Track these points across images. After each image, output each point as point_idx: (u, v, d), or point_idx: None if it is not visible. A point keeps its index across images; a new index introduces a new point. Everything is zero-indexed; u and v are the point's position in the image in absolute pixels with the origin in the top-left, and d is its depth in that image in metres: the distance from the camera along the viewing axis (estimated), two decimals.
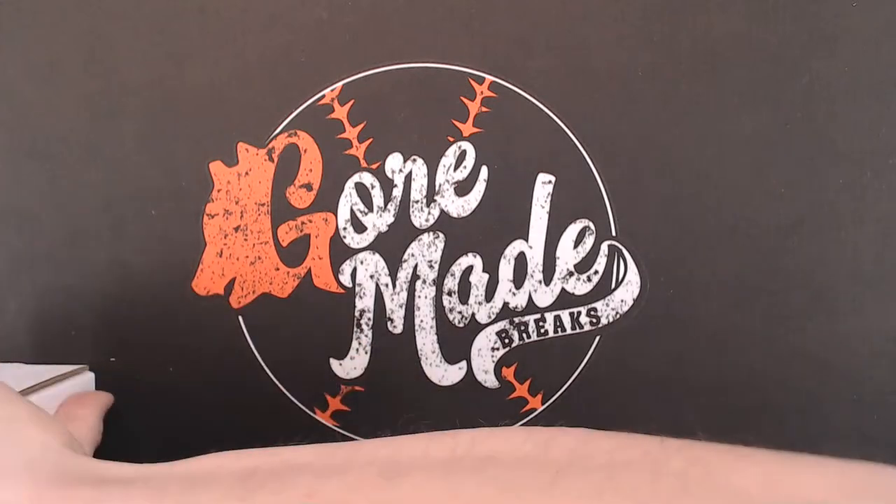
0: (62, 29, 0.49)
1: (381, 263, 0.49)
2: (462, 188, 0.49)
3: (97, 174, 0.49)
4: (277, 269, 0.50)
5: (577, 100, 0.49)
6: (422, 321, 0.50)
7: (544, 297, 0.50)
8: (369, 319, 0.50)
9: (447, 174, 0.49)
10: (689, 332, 0.49)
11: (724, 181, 0.49)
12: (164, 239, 0.49)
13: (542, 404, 0.50)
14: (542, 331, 0.50)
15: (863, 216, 0.49)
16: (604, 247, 0.49)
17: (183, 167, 0.49)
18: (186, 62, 0.49)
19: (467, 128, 0.49)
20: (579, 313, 0.50)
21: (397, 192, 0.49)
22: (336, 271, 0.50)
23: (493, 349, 0.50)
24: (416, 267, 0.50)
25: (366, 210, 0.49)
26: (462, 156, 0.49)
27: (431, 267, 0.50)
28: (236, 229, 0.50)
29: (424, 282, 0.50)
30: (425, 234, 0.50)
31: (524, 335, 0.50)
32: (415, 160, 0.49)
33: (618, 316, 0.50)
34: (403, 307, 0.50)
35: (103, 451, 0.50)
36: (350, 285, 0.49)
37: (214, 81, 0.49)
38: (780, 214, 0.49)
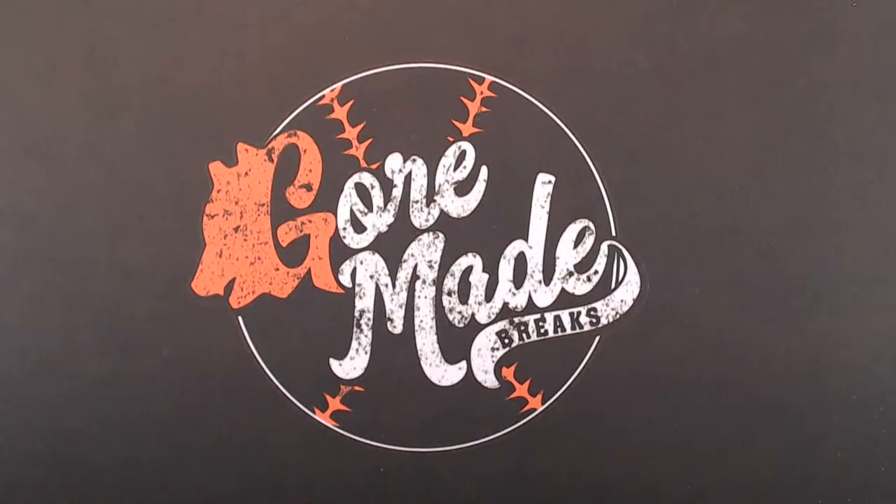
0: (62, 29, 0.49)
1: (381, 263, 0.49)
2: (462, 188, 0.49)
3: (97, 174, 0.49)
4: (277, 270, 0.50)
5: (577, 100, 0.49)
6: (422, 321, 0.50)
7: (544, 297, 0.50)
8: (369, 319, 0.50)
9: (447, 174, 0.49)
10: (689, 332, 0.49)
11: (724, 181, 0.49)
12: (164, 239, 0.49)
13: (542, 404, 0.50)
14: (542, 331, 0.50)
15: (863, 216, 0.49)
16: (604, 247, 0.49)
17: (183, 167, 0.49)
18: (186, 62, 0.49)
19: (467, 128, 0.49)
20: (579, 313, 0.50)
21: (397, 192, 0.49)
22: (336, 271, 0.50)
23: (492, 349, 0.50)
24: (415, 267, 0.50)
25: (366, 210, 0.49)
26: (462, 156, 0.49)
27: (431, 267, 0.50)
28: (236, 229, 0.50)
29: (424, 282, 0.50)
30: (425, 234, 0.50)
31: (524, 335, 0.50)
32: (415, 160, 0.49)
33: (618, 316, 0.50)
34: (403, 307, 0.50)
35: (104, 451, 0.50)
36: (350, 285, 0.49)
37: (214, 81, 0.49)
38: (780, 214, 0.49)
